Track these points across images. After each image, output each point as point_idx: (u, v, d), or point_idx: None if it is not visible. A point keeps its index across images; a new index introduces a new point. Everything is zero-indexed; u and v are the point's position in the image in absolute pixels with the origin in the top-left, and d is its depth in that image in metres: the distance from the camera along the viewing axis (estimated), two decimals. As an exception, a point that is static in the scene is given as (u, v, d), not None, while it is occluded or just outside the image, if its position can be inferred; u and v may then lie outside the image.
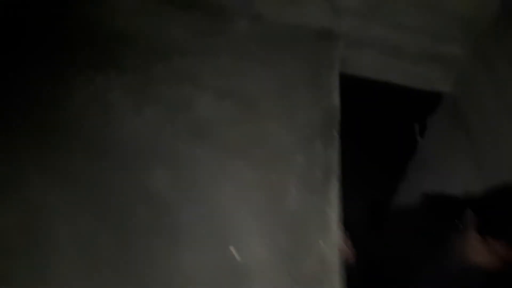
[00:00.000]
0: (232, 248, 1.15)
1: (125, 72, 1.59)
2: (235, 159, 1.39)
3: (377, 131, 2.96)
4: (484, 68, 1.91)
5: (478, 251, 0.94)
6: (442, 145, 2.26)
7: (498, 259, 0.93)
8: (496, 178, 1.68)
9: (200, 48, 1.81)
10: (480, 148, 1.88)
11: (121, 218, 1.17)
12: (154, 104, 1.50)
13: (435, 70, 2.10)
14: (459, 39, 1.97)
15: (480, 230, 0.96)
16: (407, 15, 1.93)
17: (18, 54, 1.56)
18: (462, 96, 2.09)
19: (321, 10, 1.99)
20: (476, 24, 1.93)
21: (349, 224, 1.29)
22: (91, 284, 1.06)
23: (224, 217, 1.22)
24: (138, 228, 1.16)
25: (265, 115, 1.55)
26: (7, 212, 1.13)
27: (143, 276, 1.09)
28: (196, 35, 1.87)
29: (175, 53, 1.74)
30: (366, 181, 2.92)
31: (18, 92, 1.45)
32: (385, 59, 2.09)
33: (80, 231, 1.12)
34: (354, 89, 2.01)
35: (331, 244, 1.20)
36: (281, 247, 1.19)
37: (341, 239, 1.19)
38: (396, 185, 2.72)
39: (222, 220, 1.22)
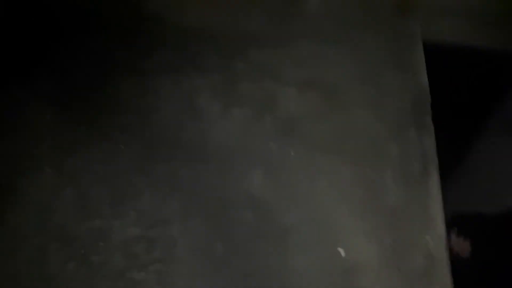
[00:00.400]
0: (340, 249, 1.18)
1: (207, 73, 1.62)
2: (328, 155, 1.39)
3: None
4: None
5: None
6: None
7: None
8: None
9: (275, 36, 1.78)
10: None
11: (231, 224, 1.23)
12: (240, 104, 1.52)
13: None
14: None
15: None
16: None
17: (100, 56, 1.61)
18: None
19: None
20: None
21: (466, 217, 1.26)
22: (212, 289, 1.15)
23: (326, 217, 1.25)
24: (247, 234, 1.22)
25: (352, 105, 1.52)
26: (126, 226, 1.23)
27: (261, 276, 1.16)
28: (270, 22, 1.84)
29: (252, 46, 1.73)
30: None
31: (112, 103, 1.53)
32: (468, 22, 1.94)
33: (196, 240, 1.20)
34: (436, 58, 1.90)
35: (438, 239, 1.20)
36: (387, 245, 1.20)
37: (451, 233, 1.17)
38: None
39: (325, 221, 1.24)
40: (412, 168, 1.34)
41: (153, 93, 1.55)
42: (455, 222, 1.27)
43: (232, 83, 1.59)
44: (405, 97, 1.54)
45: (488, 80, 2.43)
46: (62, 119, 1.45)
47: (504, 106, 2.41)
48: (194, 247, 1.19)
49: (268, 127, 1.47)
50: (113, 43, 1.66)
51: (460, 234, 1.31)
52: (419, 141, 1.41)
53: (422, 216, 1.23)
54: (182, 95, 1.55)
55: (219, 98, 1.53)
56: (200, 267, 1.16)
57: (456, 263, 1.15)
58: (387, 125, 1.46)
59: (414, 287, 1.14)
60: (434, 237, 1.19)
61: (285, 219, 1.24)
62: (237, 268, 1.17)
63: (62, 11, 1.72)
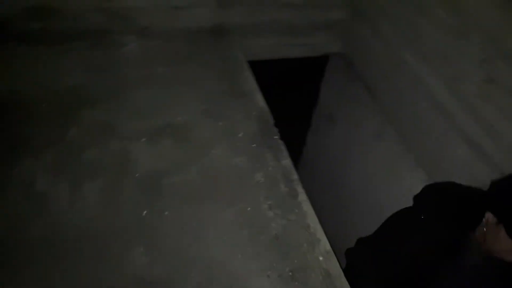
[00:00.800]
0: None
1: (40, 151, 1.39)
2: (203, 204, 1.36)
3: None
4: (367, 26, 2.09)
5: (497, 240, 0.95)
6: (346, 101, 2.47)
7: None
8: (406, 126, 1.93)
9: (102, 89, 1.64)
10: (382, 99, 2.12)
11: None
12: (90, 177, 1.36)
13: (326, 35, 2.22)
14: (339, 4, 2.10)
15: (500, 220, 0.96)
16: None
17: None
18: (354, 54, 2.27)
19: (208, 8, 1.92)
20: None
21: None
22: None
23: (221, 266, 1.22)
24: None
25: (207, 144, 1.52)
26: None
27: None
28: (93, 76, 1.69)
29: (84, 105, 1.56)
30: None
31: None
32: (280, 38, 2.14)
33: None
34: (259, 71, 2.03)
35: (327, 255, 1.27)
36: (287, 276, 1.23)
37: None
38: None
39: (222, 270, 1.21)
40: (281, 192, 1.41)
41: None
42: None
43: (73, 155, 1.40)
44: (251, 123, 1.61)
45: (308, 82, 2.75)
46: None
47: (321, 101, 2.77)
48: None
49: (130, 194, 1.34)
50: None
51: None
52: (278, 164, 1.49)
53: (306, 237, 1.31)
54: (23, 181, 1.30)
55: (62, 176, 1.33)
56: None
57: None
58: (246, 156, 1.50)
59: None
60: (324, 255, 1.27)
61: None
62: None
63: None
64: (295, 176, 1.47)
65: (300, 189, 1.43)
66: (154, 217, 1.30)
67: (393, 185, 2.06)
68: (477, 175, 1.53)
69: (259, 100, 1.74)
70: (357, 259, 1.31)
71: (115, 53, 1.84)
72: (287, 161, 1.51)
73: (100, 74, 1.72)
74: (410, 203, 1.76)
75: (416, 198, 1.25)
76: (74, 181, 1.34)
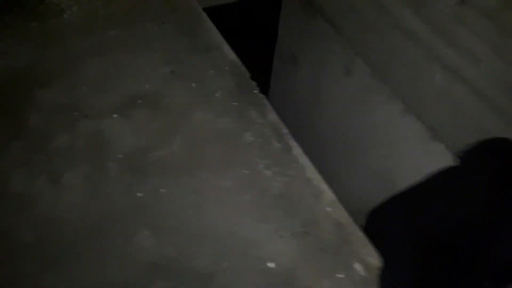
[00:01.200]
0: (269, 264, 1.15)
1: (4, 146, 1.23)
2: (196, 176, 1.29)
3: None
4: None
5: None
6: (308, 39, 2.39)
7: None
8: (377, 57, 1.90)
9: (52, 65, 1.46)
10: (347, 33, 2.06)
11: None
12: (72, 168, 1.23)
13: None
14: None
15: None
16: None
17: None
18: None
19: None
20: None
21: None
22: None
23: (233, 232, 1.18)
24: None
25: (187, 110, 1.42)
26: None
27: None
28: (40, 50, 1.48)
29: (37, 86, 1.38)
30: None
31: None
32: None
33: None
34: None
35: (334, 204, 1.26)
36: (300, 232, 1.20)
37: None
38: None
39: (234, 236, 1.18)
40: (274, 149, 1.37)
41: None
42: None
43: (42, 144, 1.25)
44: (226, 80, 1.52)
45: (264, 23, 2.61)
46: None
47: (281, 42, 2.66)
48: None
49: (118, 177, 1.24)
50: None
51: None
52: (264, 120, 1.43)
53: (310, 190, 1.28)
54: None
55: (37, 170, 1.19)
56: None
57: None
58: (229, 117, 1.42)
59: (339, 259, 1.18)
60: (331, 205, 1.26)
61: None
62: None
63: None
64: (284, 130, 1.42)
65: (292, 143, 1.39)
66: (150, 197, 1.21)
67: (368, 120, 2.07)
68: (457, 101, 1.55)
69: (229, 52, 1.63)
70: (385, 222, 1.26)
71: (55, 22, 1.62)
72: (273, 115, 1.45)
73: (44, 49, 1.52)
74: (388, 135, 1.77)
75: (465, 158, 1.16)
76: (51, 173, 1.21)
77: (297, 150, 1.37)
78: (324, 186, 1.29)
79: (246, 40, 2.72)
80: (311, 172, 1.32)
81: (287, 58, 2.64)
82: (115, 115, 1.37)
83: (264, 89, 3.04)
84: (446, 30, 1.54)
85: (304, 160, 1.34)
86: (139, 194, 1.21)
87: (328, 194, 1.28)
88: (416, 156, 1.80)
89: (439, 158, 1.61)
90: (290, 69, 2.63)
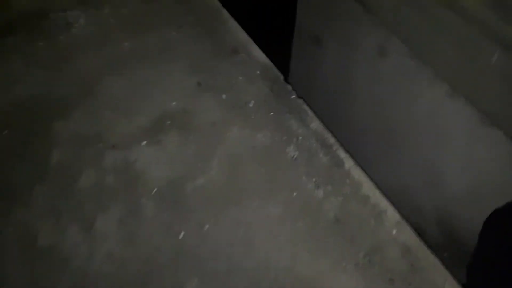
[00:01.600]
0: None
1: (27, 194, 1.11)
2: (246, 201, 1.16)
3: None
4: None
5: None
6: (332, 19, 2.18)
7: None
8: (417, 35, 1.70)
9: (65, 90, 1.32)
10: (379, 11, 1.85)
11: None
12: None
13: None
14: None
15: None
16: None
17: None
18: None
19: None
20: None
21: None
22: None
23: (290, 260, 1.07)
24: None
25: (221, 128, 1.27)
26: None
27: None
28: (50, 73, 1.35)
29: (53, 117, 1.25)
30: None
31: None
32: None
33: None
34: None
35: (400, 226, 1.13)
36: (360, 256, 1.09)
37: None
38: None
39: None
40: (322, 163, 1.22)
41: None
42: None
43: (67, 186, 1.13)
44: (259, 86, 1.37)
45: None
46: None
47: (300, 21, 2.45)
48: None
49: (154, 216, 1.12)
50: None
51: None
52: (307, 129, 1.28)
53: (369, 210, 1.14)
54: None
55: (66, 218, 1.08)
56: None
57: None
58: (267, 130, 1.28)
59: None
60: (396, 226, 1.12)
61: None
62: None
63: None
64: (331, 139, 1.27)
65: (343, 154, 1.24)
66: (194, 236, 1.09)
67: (411, 106, 1.89)
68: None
69: (258, 54, 1.46)
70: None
71: (64, 39, 1.47)
72: (316, 123, 1.30)
73: (57, 73, 1.39)
74: (433, 121, 1.59)
75: None
76: (82, 220, 1.09)
77: (349, 162, 1.22)
78: (384, 204, 1.15)
79: (260, 19, 2.52)
80: (368, 188, 1.18)
81: (308, 39, 2.43)
82: (144, 142, 1.24)
83: (285, 72, 2.85)
84: (506, 4, 1.33)
85: (358, 174, 1.20)
86: (181, 235, 1.09)
87: (391, 213, 1.14)
88: (467, 144, 1.63)
89: (496, 147, 1.45)
90: (313, 51, 2.42)
